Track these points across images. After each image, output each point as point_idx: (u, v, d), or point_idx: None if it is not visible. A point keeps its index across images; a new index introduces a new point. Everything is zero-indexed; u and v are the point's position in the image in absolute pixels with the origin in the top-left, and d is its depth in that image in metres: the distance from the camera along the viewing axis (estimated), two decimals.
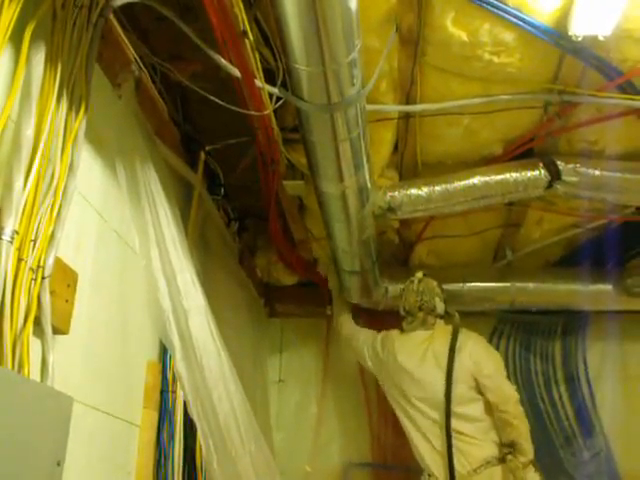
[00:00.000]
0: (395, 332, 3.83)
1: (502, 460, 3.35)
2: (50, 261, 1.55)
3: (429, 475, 3.41)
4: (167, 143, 2.64)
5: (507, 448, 3.37)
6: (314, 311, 4.80)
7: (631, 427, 4.45)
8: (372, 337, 3.95)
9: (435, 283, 3.83)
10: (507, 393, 3.48)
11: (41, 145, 1.54)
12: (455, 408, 3.38)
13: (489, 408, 3.45)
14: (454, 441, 3.33)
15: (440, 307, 3.76)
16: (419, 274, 3.87)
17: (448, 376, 3.42)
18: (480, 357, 3.55)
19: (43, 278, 1.52)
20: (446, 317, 3.75)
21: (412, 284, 3.82)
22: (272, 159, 2.93)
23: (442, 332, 3.65)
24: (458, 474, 3.28)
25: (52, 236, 1.57)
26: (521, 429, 3.39)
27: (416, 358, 3.60)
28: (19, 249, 1.44)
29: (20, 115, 1.53)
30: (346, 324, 4.26)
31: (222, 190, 3.33)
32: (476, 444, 3.36)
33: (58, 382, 1.57)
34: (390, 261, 4.47)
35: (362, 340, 4.02)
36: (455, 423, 3.36)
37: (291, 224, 3.80)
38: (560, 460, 4.44)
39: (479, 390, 3.46)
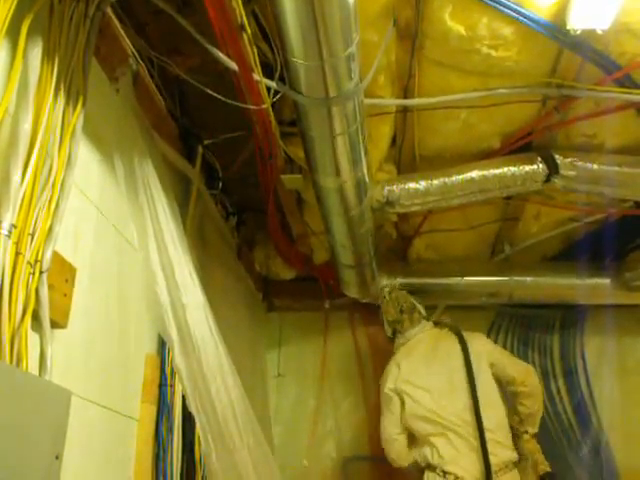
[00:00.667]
0: (392, 363, 3.78)
1: (516, 464, 3.41)
2: (48, 255, 1.55)
3: (445, 472, 3.38)
4: (165, 137, 2.64)
5: (523, 426, 3.51)
6: (313, 305, 4.82)
7: (629, 420, 4.47)
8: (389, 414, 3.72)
9: (405, 291, 4.03)
10: (526, 365, 3.68)
11: (39, 139, 1.54)
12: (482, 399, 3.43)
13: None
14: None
15: (420, 307, 3.91)
16: (386, 288, 4.05)
17: (470, 376, 3.48)
18: (490, 343, 3.79)
19: (41, 272, 1.52)
20: (437, 321, 3.94)
21: (385, 299, 4.00)
22: (270, 153, 2.93)
23: (440, 333, 3.77)
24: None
25: (50, 230, 1.57)
26: (541, 399, 3.59)
27: (429, 371, 3.63)
28: (17, 243, 1.44)
29: (17, 109, 1.53)
30: None
31: (220, 184, 3.33)
32: (501, 443, 3.38)
33: (56, 376, 1.57)
34: (388, 255, 4.47)
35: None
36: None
37: (289, 218, 3.80)
38: (558, 453, 4.45)
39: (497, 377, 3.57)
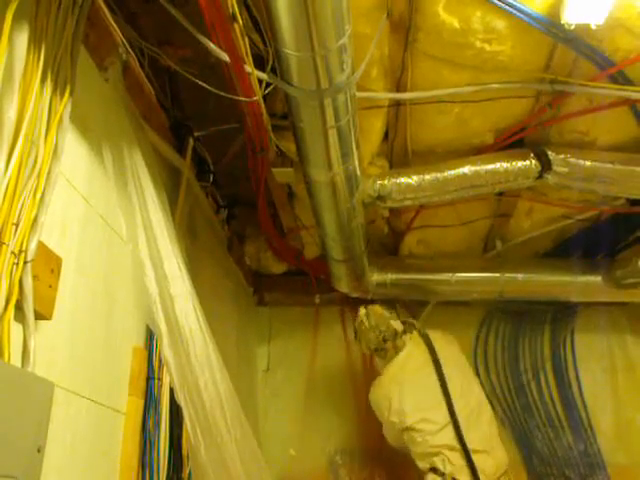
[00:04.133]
0: (386, 389, 3.72)
1: None
2: (33, 245, 1.52)
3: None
4: (155, 128, 2.61)
5: None
6: (303, 300, 4.81)
7: (618, 417, 4.49)
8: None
9: (379, 307, 3.92)
10: None
11: (24, 127, 1.51)
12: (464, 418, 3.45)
13: None
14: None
15: (399, 326, 3.83)
16: (362, 310, 3.95)
17: (444, 388, 3.47)
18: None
19: (25, 262, 1.50)
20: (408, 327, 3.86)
21: (363, 324, 3.90)
22: (261, 146, 2.91)
23: (418, 345, 3.75)
24: None
25: (35, 220, 1.55)
26: None
27: (420, 396, 3.61)
28: (0, 232, 1.42)
29: (2, 96, 1.50)
30: None
31: (211, 177, 3.30)
32: (491, 452, 3.40)
33: (41, 368, 1.55)
34: (379, 250, 4.46)
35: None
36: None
37: (280, 212, 3.78)
38: (547, 449, 4.46)
39: None
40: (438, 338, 3.78)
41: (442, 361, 3.59)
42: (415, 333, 3.80)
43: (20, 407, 1.33)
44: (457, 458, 3.36)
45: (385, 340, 3.81)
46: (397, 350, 3.78)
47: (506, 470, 3.38)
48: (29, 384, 1.41)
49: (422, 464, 3.47)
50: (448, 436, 3.41)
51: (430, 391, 3.54)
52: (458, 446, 3.35)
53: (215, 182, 3.42)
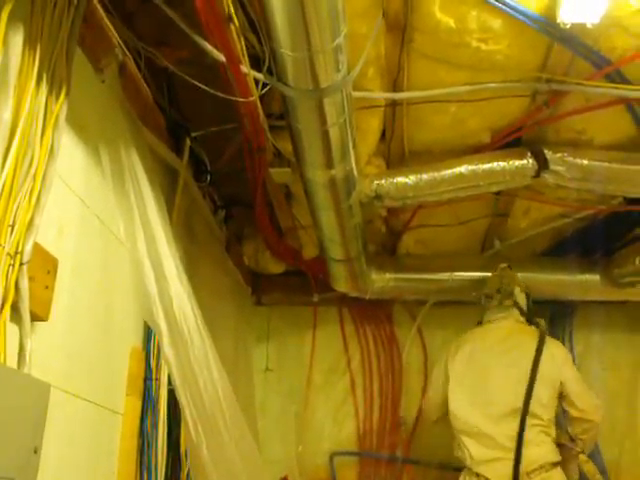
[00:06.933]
0: (460, 340, 3.81)
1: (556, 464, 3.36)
2: (29, 247, 1.53)
3: (477, 474, 3.35)
4: (152, 129, 2.61)
5: (577, 446, 3.51)
6: (302, 300, 4.80)
7: (615, 416, 4.48)
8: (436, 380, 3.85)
9: (516, 274, 3.94)
10: (596, 401, 3.60)
11: (19, 128, 1.52)
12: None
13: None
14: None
15: (520, 297, 3.84)
16: (503, 264, 3.97)
17: (532, 377, 3.41)
18: (570, 361, 3.65)
19: (21, 264, 1.50)
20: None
21: (495, 272, 3.94)
22: (258, 146, 2.91)
23: (522, 329, 3.72)
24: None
25: (31, 222, 1.55)
26: (599, 431, 3.69)
27: (487, 365, 3.59)
28: None
29: None
30: None
31: (208, 177, 3.30)
32: (537, 445, 3.35)
33: (37, 369, 1.55)
34: (377, 250, 4.46)
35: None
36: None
37: (278, 212, 3.78)
38: None
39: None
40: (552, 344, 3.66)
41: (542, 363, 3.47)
42: (532, 326, 3.77)
43: (16, 408, 1.33)
44: (481, 452, 3.35)
45: (498, 291, 3.84)
46: (499, 308, 3.81)
47: (542, 465, 3.32)
48: (25, 385, 1.41)
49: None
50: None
51: (510, 374, 3.49)
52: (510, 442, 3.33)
53: (212, 182, 3.41)
